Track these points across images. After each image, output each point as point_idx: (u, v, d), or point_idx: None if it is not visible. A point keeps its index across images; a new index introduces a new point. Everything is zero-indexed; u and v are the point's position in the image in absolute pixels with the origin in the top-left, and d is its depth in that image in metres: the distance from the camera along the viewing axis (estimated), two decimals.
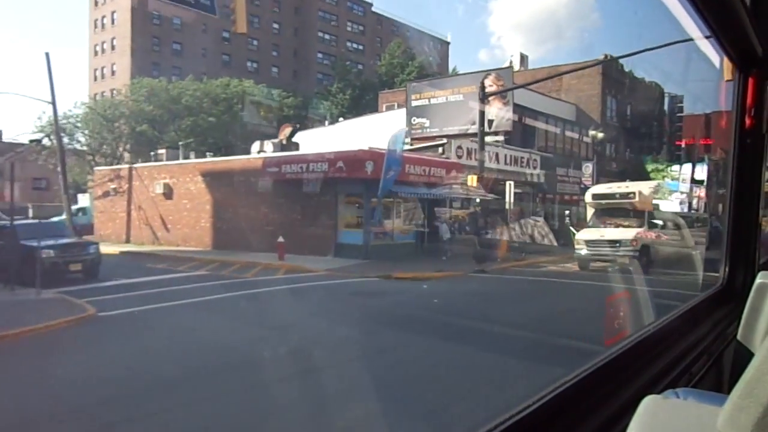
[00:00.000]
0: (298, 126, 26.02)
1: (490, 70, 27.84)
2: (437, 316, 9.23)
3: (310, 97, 54.33)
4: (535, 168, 27.13)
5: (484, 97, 18.64)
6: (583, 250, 16.33)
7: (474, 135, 28.64)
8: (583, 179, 26.57)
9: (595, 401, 1.38)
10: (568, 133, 31.66)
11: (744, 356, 1.96)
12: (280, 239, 19.00)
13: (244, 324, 9.32)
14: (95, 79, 58.34)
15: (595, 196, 17.74)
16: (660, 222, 16.31)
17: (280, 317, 9.35)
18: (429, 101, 31.21)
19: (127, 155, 39.96)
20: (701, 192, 46.08)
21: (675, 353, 1.86)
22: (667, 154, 42.59)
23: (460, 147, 22.64)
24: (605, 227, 16.59)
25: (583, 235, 16.86)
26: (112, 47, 56.54)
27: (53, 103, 23.42)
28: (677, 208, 38.17)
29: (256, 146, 23.25)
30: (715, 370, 2.15)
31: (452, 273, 16.63)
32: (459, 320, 8.69)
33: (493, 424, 1.11)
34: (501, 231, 20.04)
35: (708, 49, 2.99)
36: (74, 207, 36.27)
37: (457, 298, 11.39)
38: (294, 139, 22.36)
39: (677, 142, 54.24)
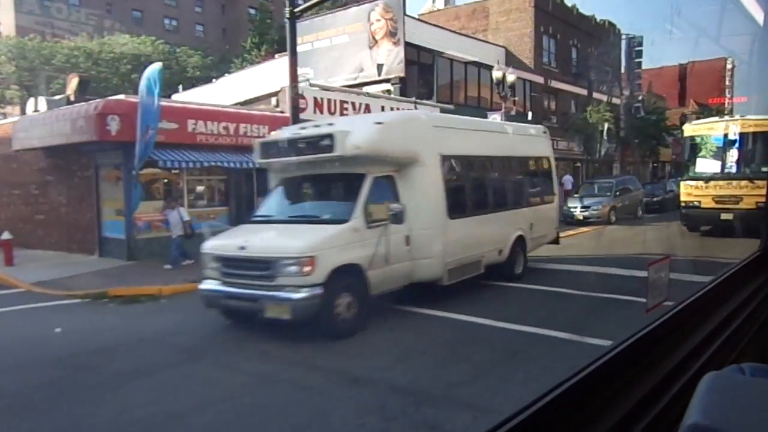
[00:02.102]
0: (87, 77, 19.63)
1: None
2: None
3: (227, 56, 47.40)
4: None
5: (293, 17, 12.53)
6: (212, 282, 7.03)
7: (361, 85, 22.66)
8: None
9: (637, 373, 1.31)
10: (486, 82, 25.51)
11: None
12: (5, 236, 13.02)
13: None
14: None
15: (266, 151, 8.22)
16: (399, 207, 7.06)
17: None
18: (312, 45, 24.92)
19: None
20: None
21: (716, 322, 1.78)
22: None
23: (301, 97, 16.47)
24: (274, 225, 7.64)
25: (211, 247, 7.32)
26: None
27: None
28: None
29: (30, 104, 17.04)
30: (760, 337, 2.02)
31: None
32: None
33: (537, 396, 1.06)
34: None
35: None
36: None
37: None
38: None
39: (712, 101, 47.75)
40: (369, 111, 18.73)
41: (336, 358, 5.86)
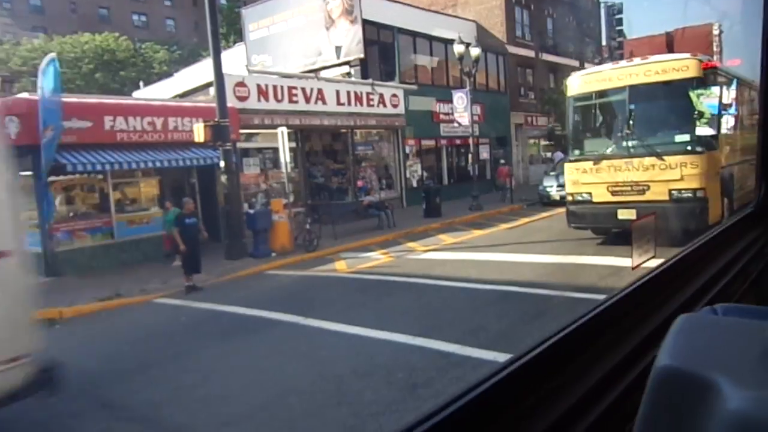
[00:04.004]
0: (8, 75, 18.21)
1: None
2: None
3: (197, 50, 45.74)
4: (395, 106, 19.76)
5: None
6: None
7: (319, 70, 21.28)
8: (455, 115, 19.20)
9: (627, 326, 1.30)
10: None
11: None
12: None
13: None
14: None
15: None
16: None
17: None
18: (269, 30, 23.54)
19: None
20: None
21: (709, 274, 1.74)
22: None
23: (242, 84, 15.10)
24: None
25: None
26: None
27: None
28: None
29: None
30: (753, 288, 2.00)
31: (129, 300, 9.54)
32: None
33: (533, 345, 1.05)
34: (278, 208, 12.75)
35: None
36: None
37: None
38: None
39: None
40: (322, 96, 17.38)
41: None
